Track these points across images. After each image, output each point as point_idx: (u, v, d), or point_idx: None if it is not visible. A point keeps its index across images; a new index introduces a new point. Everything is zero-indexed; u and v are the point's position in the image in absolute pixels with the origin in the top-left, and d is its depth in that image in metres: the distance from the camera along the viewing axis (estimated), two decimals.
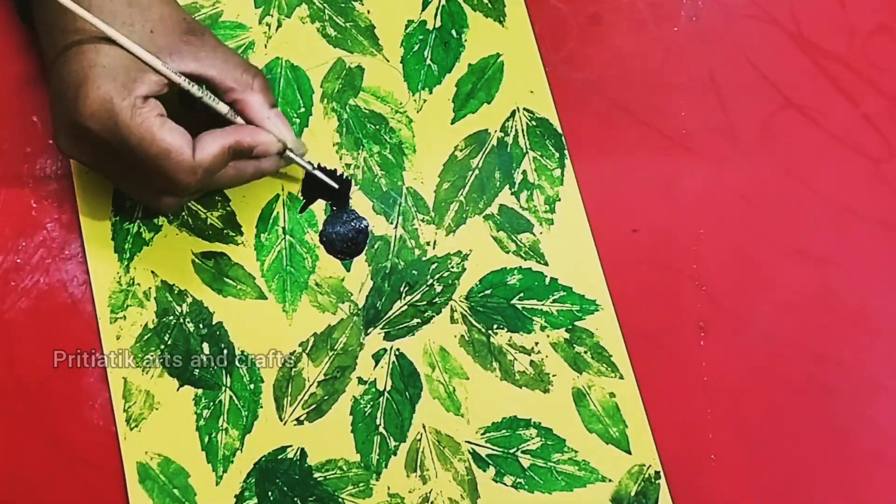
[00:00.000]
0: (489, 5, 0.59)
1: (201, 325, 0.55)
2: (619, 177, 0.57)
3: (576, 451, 0.54)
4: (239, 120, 0.51)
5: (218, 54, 0.50)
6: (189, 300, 0.56)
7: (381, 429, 0.54)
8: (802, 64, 0.58)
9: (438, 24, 0.59)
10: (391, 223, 0.57)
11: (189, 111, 0.51)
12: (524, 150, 0.57)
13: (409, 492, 0.54)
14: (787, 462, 0.53)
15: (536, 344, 0.55)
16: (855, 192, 0.57)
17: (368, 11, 0.59)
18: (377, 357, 0.55)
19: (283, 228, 0.57)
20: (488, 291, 0.56)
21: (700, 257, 0.56)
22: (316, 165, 0.56)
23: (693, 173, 0.57)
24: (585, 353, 0.55)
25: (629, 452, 0.54)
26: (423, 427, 0.54)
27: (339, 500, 0.54)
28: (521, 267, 0.56)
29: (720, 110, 0.58)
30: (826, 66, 0.58)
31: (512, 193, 0.57)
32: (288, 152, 0.52)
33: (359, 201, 0.57)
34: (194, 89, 0.49)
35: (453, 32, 0.59)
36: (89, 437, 0.55)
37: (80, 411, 0.55)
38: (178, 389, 0.55)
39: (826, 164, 0.57)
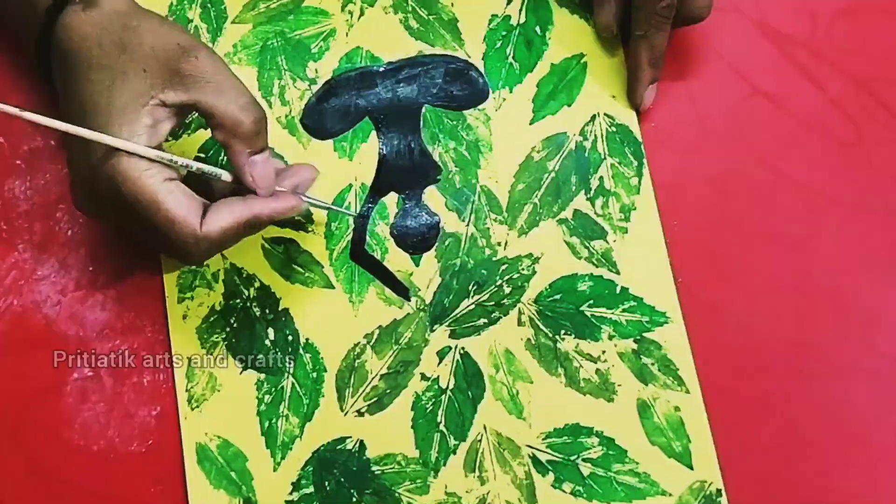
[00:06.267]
0: (575, 0, 0.58)
1: (267, 311, 0.55)
2: None
3: (637, 463, 0.53)
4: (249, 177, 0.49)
5: (211, 84, 0.47)
6: (256, 284, 0.55)
7: (441, 426, 0.54)
8: (768, 51, 0.59)
9: (523, 19, 0.58)
10: (463, 221, 0.56)
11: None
12: (602, 156, 0.57)
13: (467, 492, 0.53)
14: (768, 448, 0.53)
15: (603, 352, 0.54)
16: (825, 176, 0.57)
17: (452, 4, 0.58)
18: (441, 354, 0.55)
19: (355, 218, 0.56)
20: (558, 296, 0.55)
21: (674, 249, 0.56)
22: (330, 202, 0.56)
23: (664, 165, 0.57)
24: (652, 364, 0.54)
25: (691, 468, 0.53)
26: (484, 428, 0.54)
27: (396, 494, 0.53)
28: (592, 274, 0.55)
29: (688, 101, 0.58)
30: (791, 52, 0.58)
31: (587, 199, 0.56)
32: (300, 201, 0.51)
33: (432, 196, 0.56)
34: (180, 164, 0.47)
35: (537, 29, 0.58)
36: (70, 459, 0.54)
37: (59, 432, 0.54)
38: (241, 373, 0.55)
39: (795, 151, 0.57)
